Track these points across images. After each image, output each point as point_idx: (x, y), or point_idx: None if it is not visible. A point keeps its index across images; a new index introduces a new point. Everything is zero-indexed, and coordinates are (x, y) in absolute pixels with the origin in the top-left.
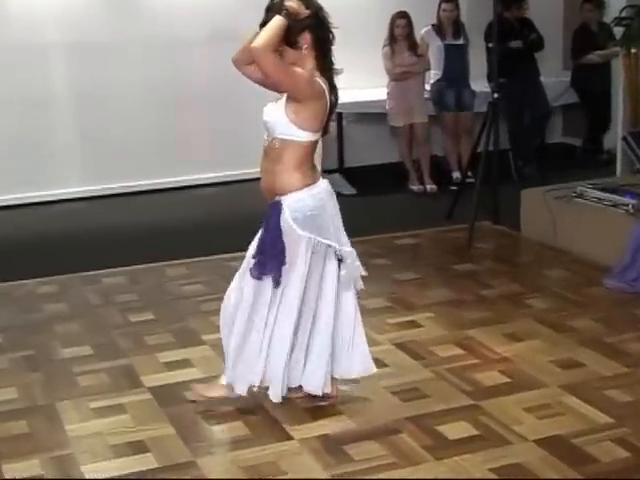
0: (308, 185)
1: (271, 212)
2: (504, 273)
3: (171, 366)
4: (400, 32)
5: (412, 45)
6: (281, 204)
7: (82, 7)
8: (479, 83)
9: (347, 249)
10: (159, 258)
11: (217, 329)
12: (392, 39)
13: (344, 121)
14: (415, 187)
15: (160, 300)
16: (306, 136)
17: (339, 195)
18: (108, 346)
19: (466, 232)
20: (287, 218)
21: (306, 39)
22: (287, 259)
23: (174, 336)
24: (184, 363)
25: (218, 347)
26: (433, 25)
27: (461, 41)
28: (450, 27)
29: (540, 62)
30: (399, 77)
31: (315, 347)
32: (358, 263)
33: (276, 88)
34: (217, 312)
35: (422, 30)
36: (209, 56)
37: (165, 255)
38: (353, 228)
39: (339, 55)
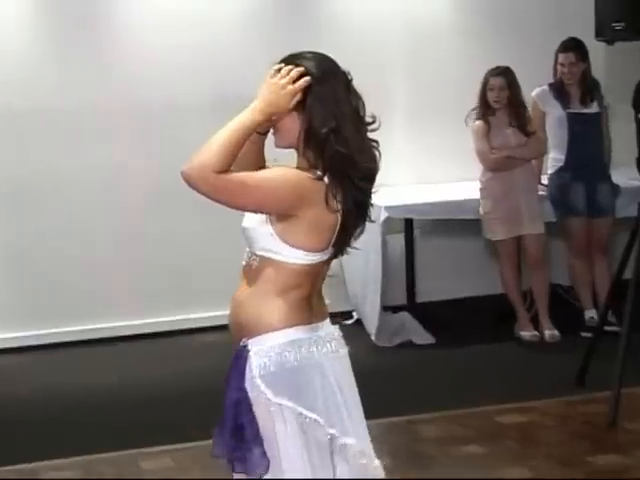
0: (295, 326)
1: (232, 364)
2: None
3: None
4: (498, 97)
5: (518, 116)
6: (247, 351)
7: (21, 62)
8: (624, 172)
9: (350, 441)
10: (132, 442)
11: None
12: (486, 108)
13: (416, 232)
14: (526, 333)
15: None
16: (297, 257)
17: (409, 345)
18: None
19: (608, 404)
20: (252, 372)
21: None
22: (265, 447)
23: None
24: None
25: None
26: (550, 85)
27: (594, 109)
28: (576, 88)
29: None
30: (499, 165)
31: None
32: (376, 463)
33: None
34: None
35: (533, 92)
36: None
37: (141, 438)
38: (429, 396)
39: (402, 135)
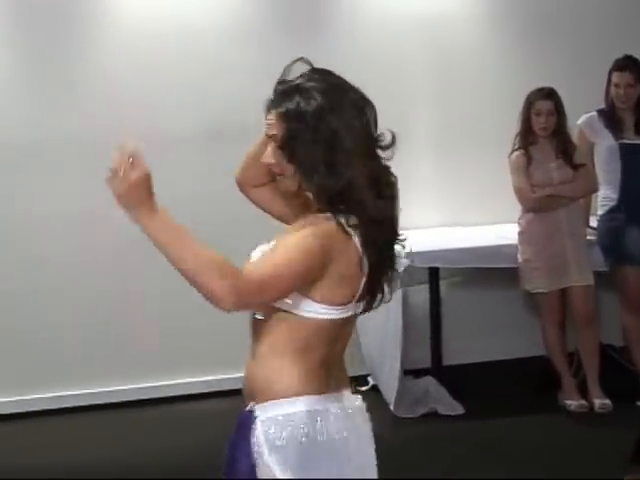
0: (310, 394)
1: (235, 431)
2: None
3: None
4: (546, 124)
5: (565, 147)
6: (254, 417)
7: None
8: None
9: None
10: None
11: None
12: (527, 137)
13: (442, 284)
14: (573, 403)
15: None
16: (318, 311)
17: (434, 417)
18: None
19: None
20: (259, 442)
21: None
22: None
23: None
24: None
25: None
26: (599, 111)
27: None
28: (631, 114)
29: None
30: (541, 205)
31: None
32: None
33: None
34: None
35: (579, 120)
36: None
37: None
38: (457, 477)
39: (428, 170)
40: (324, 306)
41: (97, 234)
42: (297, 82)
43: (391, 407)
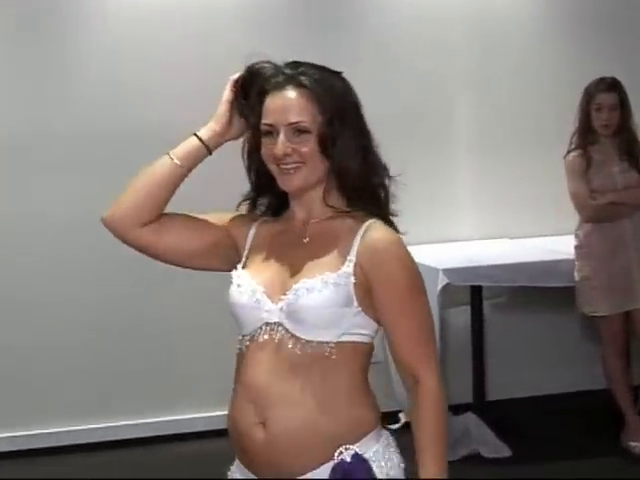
0: (377, 428)
1: None
2: None
3: None
4: (608, 120)
5: (630, 147)
6: (364, 460)
7: None
8: None
9: None
10: None
11: None
12: (586, 136)
13: (485, 305)
14: (638, 445)
15: None
16: (374, 331)
17: (477, 459)
18: None
19: None
20: None
21: None
22: None
23: None
24: None
25: None
26: None
27: None
28: None
29: None
30: (602, 215)
31: None
32: None
33: None
34: None
35: None
36: None
37: None
38: None
39: (467, 176)
40: (376, 325)
41: (82, 240)
42: (307, 63)
43: None
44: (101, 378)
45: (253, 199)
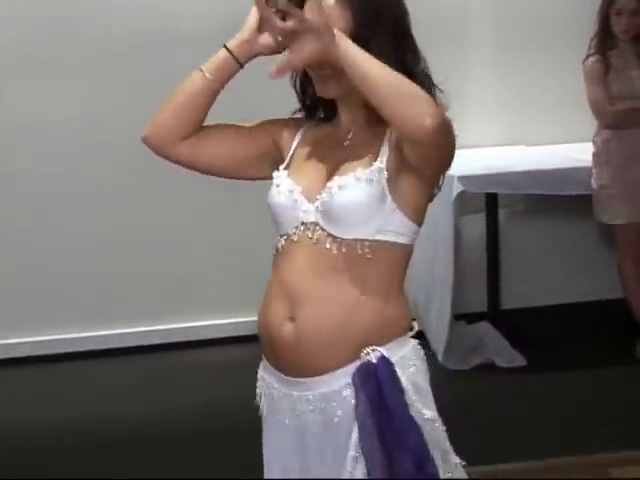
0: (406, 334)
1: (360, 385)
2: None
3: None
4: (628, 25)
5: None
6: (389, 362)
7: None
8: None
9: (457, 460)
10: None
11: None
12: (606, 40)
13: (501, 213)
14: None
15: None
16: (414, 232)
17: (491, 369)
18: None
19: None
20: (404, 388)
21: None
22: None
23: None
24: None
25: None
26: None
27: None
28: None
29: None
30: (621, 121)
31: None
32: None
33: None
34: None
35: None
36: None
37: None
38: (518, 440)
39: (486, 78)
40: (417, 227)
41: (98, 149)
42: None
43: (439, 358)
44: (117, 284)
45: (307, 109)
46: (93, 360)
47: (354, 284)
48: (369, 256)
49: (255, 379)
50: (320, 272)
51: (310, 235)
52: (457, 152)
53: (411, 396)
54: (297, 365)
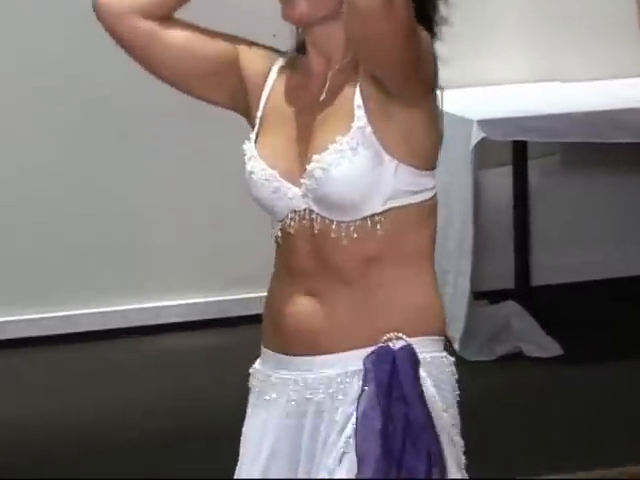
0: (440, 338)
1: (375, 370)
2: None
3: None
4: None
5: None
6: (413, 352)
7: None
8: None
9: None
10: None
11: None
12: None
13: (531, 166)
14: None
15: None
16: (430, 181)
17: (519, 359)
18: None
19: None
20: (430, 393)
21: None
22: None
23: None
24: None
25: None
26: None
27: None
28: None
29: None
30: None
31: None
32: None
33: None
34: None
35: None
36: None
37: None
38: (551, 444)
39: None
40: (433, 176)
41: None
42: None
43: (455, 346)
44: (58, 260)
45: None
46: (28, 348)
47: (369, 268)
48: (381, 232)
49: (224, 369)
50: (331, 258)
51: (308, 225)
52: (477, 90)
53: (435, 401)
54: (310, 339)
